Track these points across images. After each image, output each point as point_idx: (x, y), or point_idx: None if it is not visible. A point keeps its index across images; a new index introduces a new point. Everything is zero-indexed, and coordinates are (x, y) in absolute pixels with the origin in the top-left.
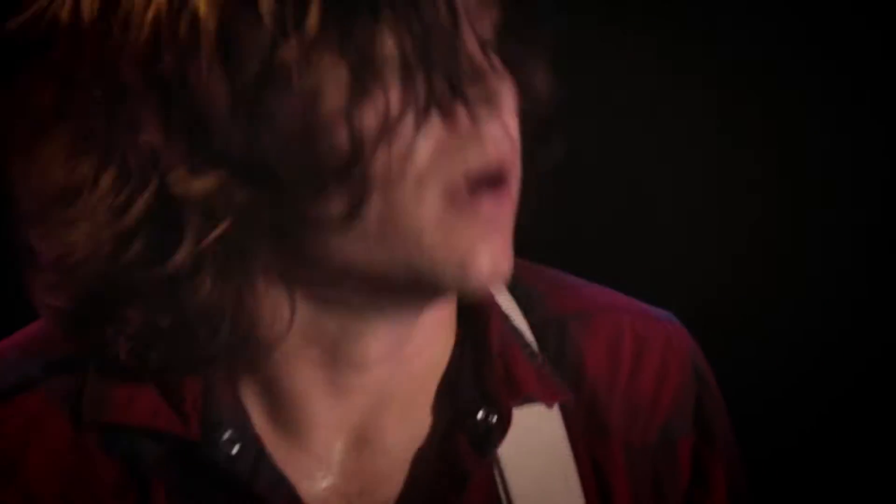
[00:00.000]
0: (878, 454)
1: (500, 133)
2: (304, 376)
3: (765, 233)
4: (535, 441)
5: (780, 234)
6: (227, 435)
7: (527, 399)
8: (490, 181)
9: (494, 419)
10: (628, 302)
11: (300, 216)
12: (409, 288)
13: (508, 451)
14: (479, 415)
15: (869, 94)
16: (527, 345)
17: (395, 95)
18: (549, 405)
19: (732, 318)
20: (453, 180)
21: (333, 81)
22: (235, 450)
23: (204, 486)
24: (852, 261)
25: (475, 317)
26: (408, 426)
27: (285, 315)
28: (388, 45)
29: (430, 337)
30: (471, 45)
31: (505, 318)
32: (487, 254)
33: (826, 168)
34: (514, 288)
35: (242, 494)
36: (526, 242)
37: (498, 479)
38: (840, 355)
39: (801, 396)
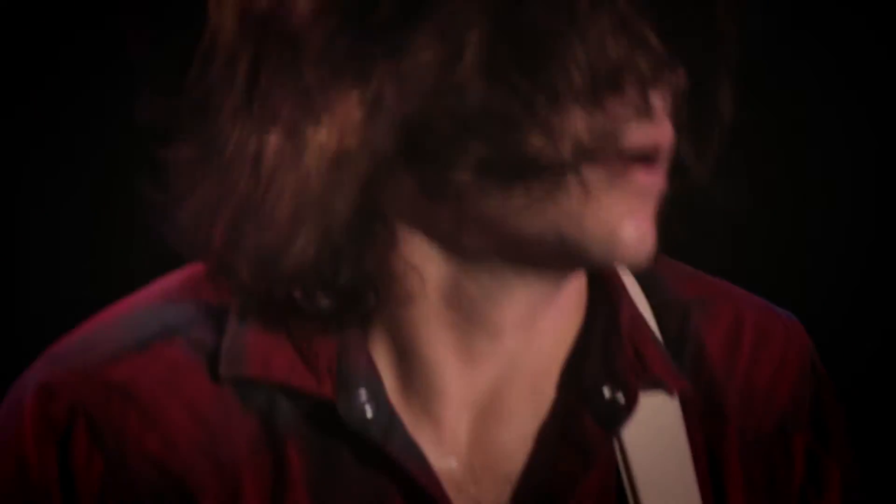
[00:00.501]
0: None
1: (663, 112)
2: (439, 340)
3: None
4: (653, 423)
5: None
6: (361, 396)
7: (653, 381)
8: (647, 156)
9: (622, 398)
10: (749, 295)
11: (466, 182)
12: (554, 255)
13: (629, 432)
14: (606, 393)
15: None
16: (651, 329)
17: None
18: (672, 391)
19: None
20: (614, 154)
21: None
22: (369, 412)
23: (338, 448)
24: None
25: (605, 295)
26: (533, 400)
27: (425, 272)
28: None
29: (563, 310)
30: (648, 30)
31: (632, 300)
32: (635, 228)
33: (826, 168)
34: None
35: (376, 457)
36: None
37: (619, 458)
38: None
39: None
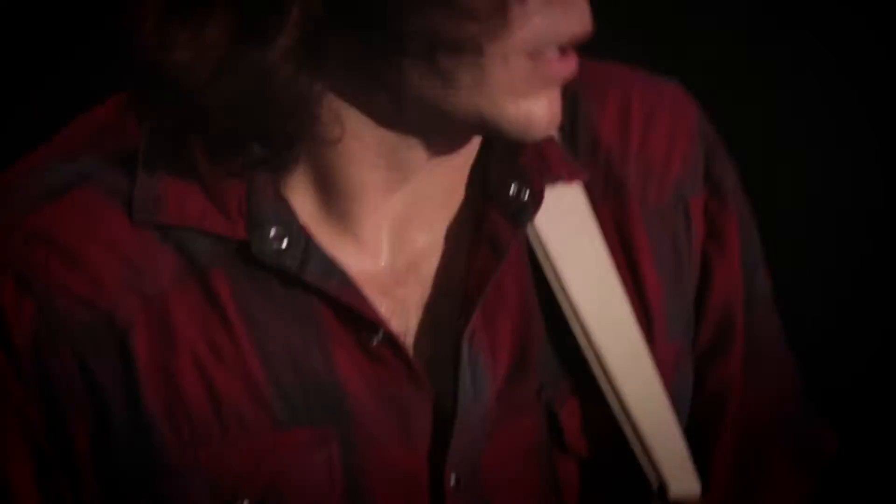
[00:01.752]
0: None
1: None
2: (358, 174)
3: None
4: (563, 213)
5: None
6: (273, 232)
7: (555, 177)
8: (563, 47)
9: (527, 195)
10: (635, 72)
11: (393, 48)
12: (472, 128)
13: (543, 227)
14: (513, 189)
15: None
16: None
17: None
18: (571, 182)
19: None
20: (543, 46)
21: None
22: (283, 244)
23: (263, 276)
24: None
25: None
26: (447, 207)
27: (346, 122)
28: None
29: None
30: None
31: None
32: (548, 113)
33: (826, 168)
34: None
35: (298, 282)
36: None
37: (535, 245)
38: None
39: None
